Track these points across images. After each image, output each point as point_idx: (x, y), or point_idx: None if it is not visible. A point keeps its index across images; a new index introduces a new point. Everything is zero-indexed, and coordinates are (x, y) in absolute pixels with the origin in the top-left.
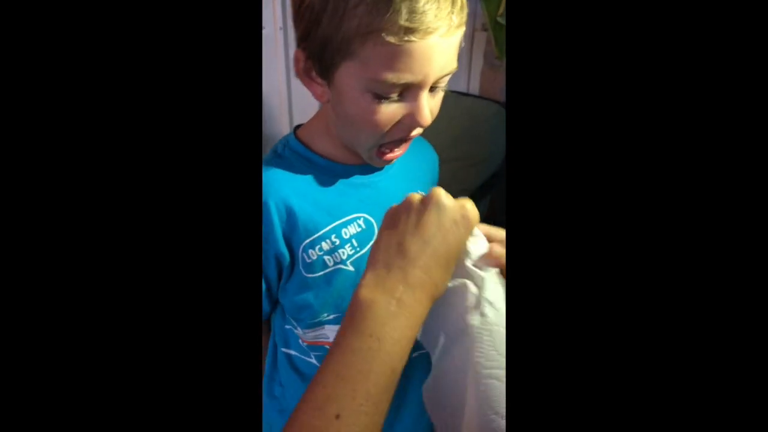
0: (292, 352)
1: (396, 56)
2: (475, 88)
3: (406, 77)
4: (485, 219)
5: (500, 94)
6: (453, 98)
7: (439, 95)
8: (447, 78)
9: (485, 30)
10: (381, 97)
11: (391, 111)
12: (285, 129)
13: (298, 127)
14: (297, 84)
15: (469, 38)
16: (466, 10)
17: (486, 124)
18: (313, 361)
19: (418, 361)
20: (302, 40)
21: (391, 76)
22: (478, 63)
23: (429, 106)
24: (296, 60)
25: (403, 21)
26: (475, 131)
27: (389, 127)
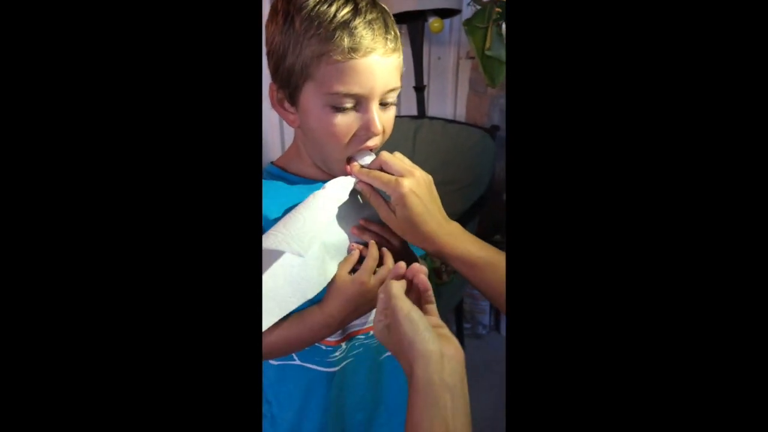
0: (275, 362)
1: (344, 71)
2: (461, 113)
3: (354, 89)
4: None
5: (486, 119)
6: (440, 125)
7: (391, 111)
8: (394, 94)
9: (470, 58)
10: (337, 110)
11: (347, 122)
12: (278, 152)
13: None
14: None
15: (455, 66)
16: (399, 39)
17: (472, 150)
18: (297, 362)
19: (389, 362)
20: (273, 73)
21: (342, 88)
22: (464, 89)
23: (381, 119)
24: (271, 92)
25: (346, 44)
26: (462, 157)
27: (348, 137)
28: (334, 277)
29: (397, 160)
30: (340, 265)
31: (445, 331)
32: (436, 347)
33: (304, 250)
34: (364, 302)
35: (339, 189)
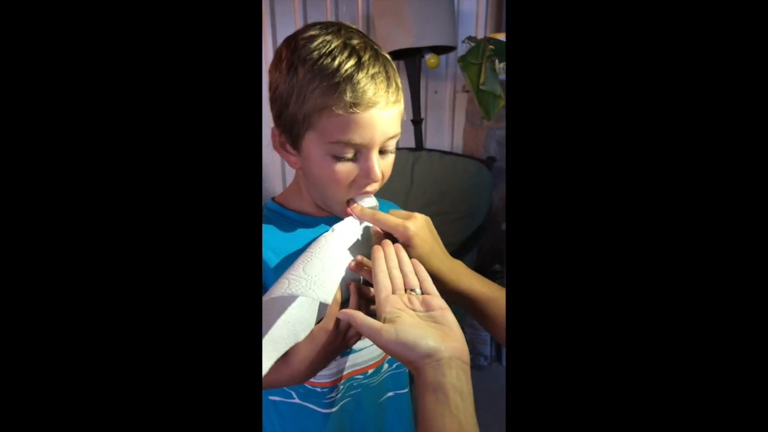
0: (277, 398)
1: (345, 124)
2: (458, 145)
3: (355, 139)
4: (474, 269)
5: (483, 150)
6: (437, 157)
7: (390, 158)
8: (394, 141)
9: (466, 91)
10: (338, 158)
11: (347, 170)
12: (279, 189)
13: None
14: None
15: (451, 99)
16: (400, 89)
17: (469, 181)
18: (296, 400)
19: (391, 403)
20: (276, 119)
21: (343, 137)
22: (460, 122)
23: (380, 166)
24: (273, 136)
25: (348, 98)
26: (459, 188)
27: (348, 183)
28: None
29: (395, 212)
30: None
31: (448, 316)
32: (443, 352)
33: (329, 296)
34: (333, 349)
35: (347, 231)
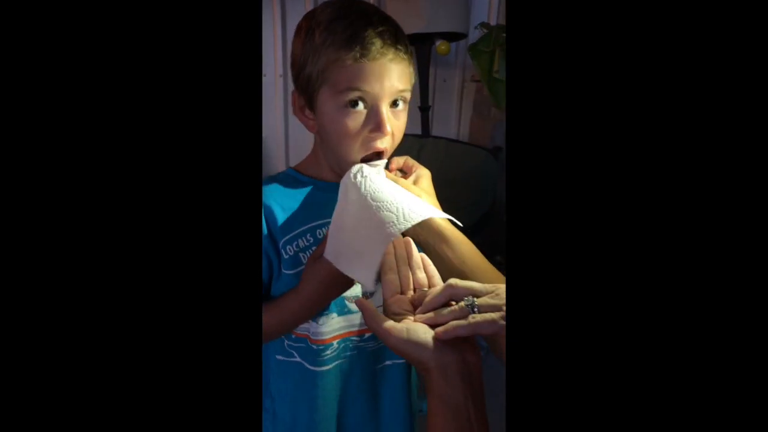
0: (281, 357)
1: (355, 73)
2: (464, 134)
3: (364, 87)
4: None
5: (489, 140)
6: (444, 144)
7: (401, 118)
8: (405, 95)
9: (475, 81)
10: (349, 110)
11: (358, 122)
12: (282, 167)
13: None
14: (293, 127)
15: (459, 89)
16: (408, 49)
17: (475, 170)
18: (297, 359)
19: (387, 371)
20: (295, 81)
21: (352, 85)
22: (467, 112)
23: (391, 121)
24: (293, 99)
25: (357, 49)
26: (464, 176)
27: (360, 137)
28: (308, 260)
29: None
30: (316, 249)
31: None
32: (450, 356)
33: (418, 216)
34: (336, 281)
35: (374, 170)
